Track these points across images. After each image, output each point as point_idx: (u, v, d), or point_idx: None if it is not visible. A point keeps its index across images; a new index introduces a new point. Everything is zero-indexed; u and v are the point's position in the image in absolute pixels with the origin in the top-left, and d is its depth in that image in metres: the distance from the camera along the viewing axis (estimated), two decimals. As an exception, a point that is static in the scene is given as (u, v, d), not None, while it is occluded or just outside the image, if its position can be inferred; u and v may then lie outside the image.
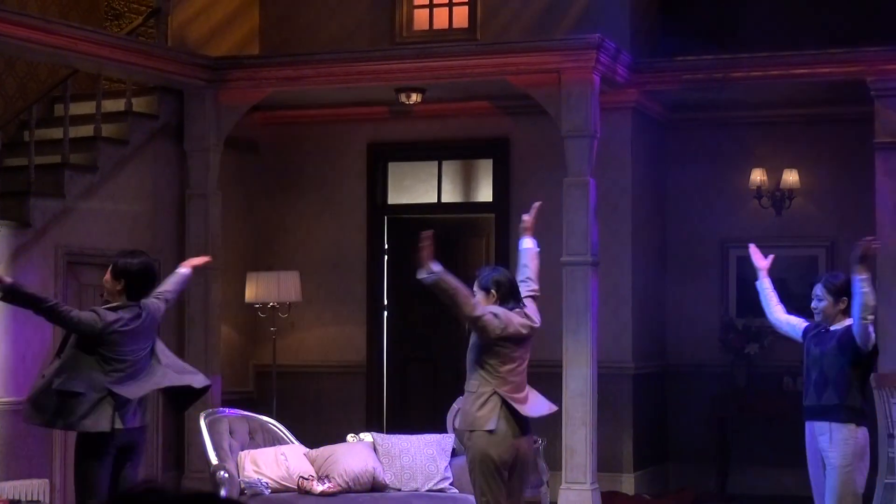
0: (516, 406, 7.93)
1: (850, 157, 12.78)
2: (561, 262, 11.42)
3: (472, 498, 8.95)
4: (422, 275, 7.76)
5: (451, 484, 9.70)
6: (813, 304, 8.38)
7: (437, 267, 7.75)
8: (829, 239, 12.96)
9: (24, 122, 11.93)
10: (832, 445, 8.12)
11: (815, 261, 12.95)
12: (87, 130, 11.92)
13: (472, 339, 8.03)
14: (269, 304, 12.68)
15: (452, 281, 7.79)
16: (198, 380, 8.46)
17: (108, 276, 8.31)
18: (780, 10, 13.02)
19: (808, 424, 8.28)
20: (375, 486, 9.70)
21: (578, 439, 11.30)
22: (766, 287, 8.72)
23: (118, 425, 8.09)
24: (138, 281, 8.30)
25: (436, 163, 13.36)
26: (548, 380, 11.86)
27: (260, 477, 9.54)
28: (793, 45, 12.09)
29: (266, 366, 12.99)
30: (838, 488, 8.09)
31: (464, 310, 7.84)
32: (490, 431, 7.89)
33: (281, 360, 12.86)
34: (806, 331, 8.45)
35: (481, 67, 11.75)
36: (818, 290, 8.40)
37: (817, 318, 8.37)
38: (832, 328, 8.29)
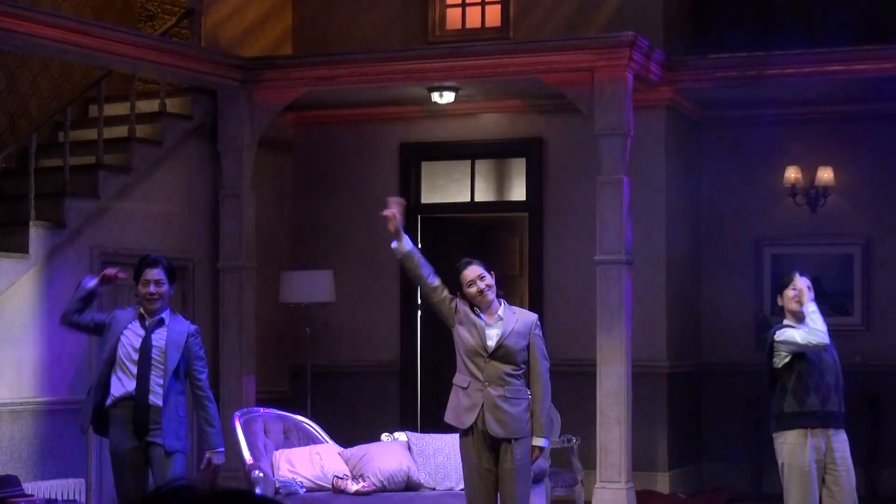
0: None
1: (886, 153, 12.71)
2: (595, 261, 11.41)
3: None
4: (394, 245, 7.97)
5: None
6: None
7: (407, 244, 7.94)
8: (865, 236, 12.90)
9: (59, 124, 11.98)
10: (847, 448, 8.32)
11: (851, 259, 12.88)
12: (121, 131, 11.97)
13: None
14: (302, 303, 12.70)
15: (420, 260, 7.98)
16: None
17: (167, 285, 8.32)
18: (814, 7, 12.96)
19: (826, 431, 8.22)
20: (410, 486, 9.70)
21: (613, 438, 11.27)
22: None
23: None
24: None
25: (469, 162, 13.35)
26: (582, 379, 11.87)
27: (295, 476, 9.56)
28: (827, 42, 12.04)
29: (300, 365, 13.01)
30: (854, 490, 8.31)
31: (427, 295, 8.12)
32: None
33: (315, 360, 12.87)
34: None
35: (514, 66, 11.74)
36: (804, 282, 8.26)
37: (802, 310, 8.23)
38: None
